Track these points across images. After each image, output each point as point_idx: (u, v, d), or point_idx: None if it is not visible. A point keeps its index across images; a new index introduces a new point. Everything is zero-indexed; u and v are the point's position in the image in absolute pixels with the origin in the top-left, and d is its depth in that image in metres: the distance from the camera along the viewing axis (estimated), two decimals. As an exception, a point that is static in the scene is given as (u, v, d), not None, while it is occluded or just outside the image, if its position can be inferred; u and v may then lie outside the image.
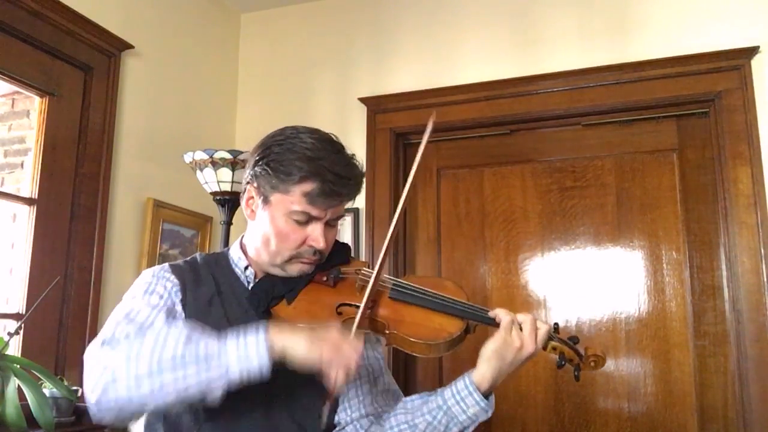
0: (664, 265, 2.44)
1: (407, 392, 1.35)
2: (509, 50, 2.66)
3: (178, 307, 1.18)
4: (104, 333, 1.10)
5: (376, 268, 1.17)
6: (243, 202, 1.27)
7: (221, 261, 1.31)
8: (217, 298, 1.22)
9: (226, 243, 2.26)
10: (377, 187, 2.73)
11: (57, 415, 1.85)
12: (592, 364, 1.21)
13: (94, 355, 1.04)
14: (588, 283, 2.51)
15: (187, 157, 2.30)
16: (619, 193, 2.54)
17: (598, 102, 2.51)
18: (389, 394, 1.33)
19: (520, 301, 2.58)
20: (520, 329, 1.16)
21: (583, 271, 2.53)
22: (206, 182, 2.28)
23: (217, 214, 2.42)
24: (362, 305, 1.14)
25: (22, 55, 2.05)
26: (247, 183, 1.25)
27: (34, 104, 2.17)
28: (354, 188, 1.23)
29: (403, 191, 1.19)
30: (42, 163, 2.10)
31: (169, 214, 2.54)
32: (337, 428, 1.27)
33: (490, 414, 1.19)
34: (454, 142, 2.78)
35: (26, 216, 2.07)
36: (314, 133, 1.23)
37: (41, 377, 1.77)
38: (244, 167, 1.39)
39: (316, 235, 1.20)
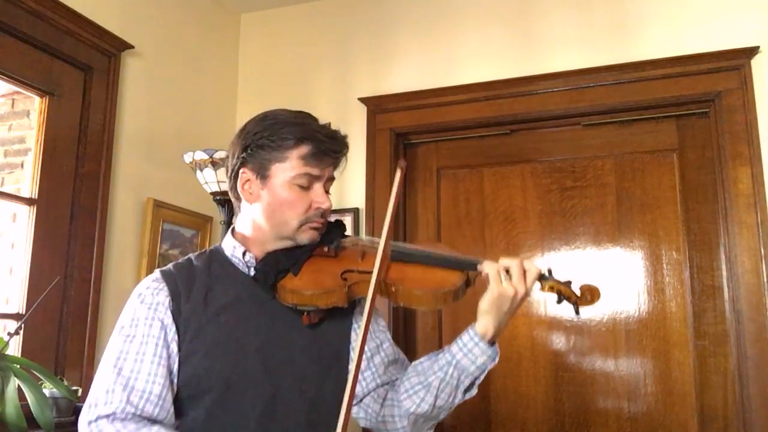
0: (664, 265, 2.44)
1: (409, 356, 1.40)
2: (509, 50, 2.66)
3: (168, 323, 1.17)
4: (95, 396, 1.12)
5: (385, 229, 1.20)
6: (238, 188, 1.27)
7: (215, 254, 1.32)
8: (212, 293, 1.23)
9: (226, 243, 2.26)
10: (377, 187, 2.73)
11: (57, 415, 1.85)
12: (588, 297, 1.28)
13: None
14: (588, 282, 2.51)
15: (187, 157, 2.30)
16: (619, 193, 2.54)
17: (598, 102, 2.51)
18: (398, 363, 1.37)
19: (520, 301, 2.58)
20: (509, 276, 1.20)
21: (583, 271, 2.53)
22: (206, 182, 2.29)
23: (217, 214, 2.42)
24: (377, 263, 1.17)
25: (22, 55, 2.05)
26: (238, 169, 1.27)
27: (34, 104, 2.17)
28: (344, 145, 1.28)
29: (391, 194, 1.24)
30: (42, 163, 2.09)
31: (169, 214, 2.54)
32: (355, 401, 1.30)
33: (497, 360, 1.23)
34: (454, 142, 2.78)
35: (26, 216, 2.07)
36: (285, 109, 1.29)
37: (41, 377, 1.77)
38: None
39: (320, 195, 1.25)
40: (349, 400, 1.04)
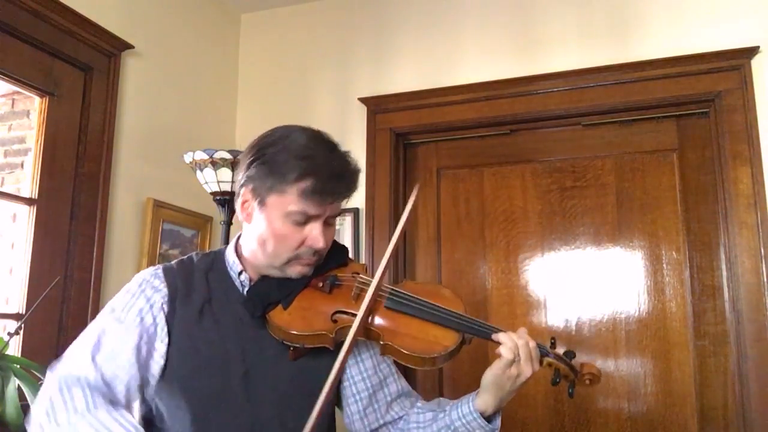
0: (664, 265, 2.44)
1: None
2: (509, 50, 2.66)
3: (160, 322, 1.16)
4: (71, 353, 1.11)
5: (374, 283, 1.16)
6: (238, 206, 1.25)
7: (217, 263, 1.29)
8: (208, 306, 1.21)
9: (226, 243, 2.25)
10: (377, 187, 2.73)
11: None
12: (587, 381, 1.19)
13: (51, 390, 1.07)
14: (588, 283, 2.51)
15: (187, 157, 2.30)
16: (619, 193, 2.54)
17: (598, 102, 2.51)
18: (404, 398, 1.34)
19: (520, 301, 2.58)
20: (518, 357, 1.15)
21: (583, 271, 2.53)
22: (206, 182, 2.28)
23: (217, 214, 2.42)
24: (358, 318, 1.12)
25: (22, 55, 2.05)
26: (241, 186, 1.23)
27: (34, 104, 2.17)
28: (350, 185, 1.21)
29: (398, 226, 1.22)
30: (42, 163, 2.09)
31: (169, 214, 2.54)
32: None
33: (497, 430, 1.22)
34: (454, 142, 2.78)
35: (26, 216, 2.07)
36: (306, 131, 1.22)
37: (41, 377, 1.77)
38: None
39: (315, 234, 1.18)
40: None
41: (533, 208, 2.63)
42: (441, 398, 1.35)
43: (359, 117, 2.81)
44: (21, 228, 2.08)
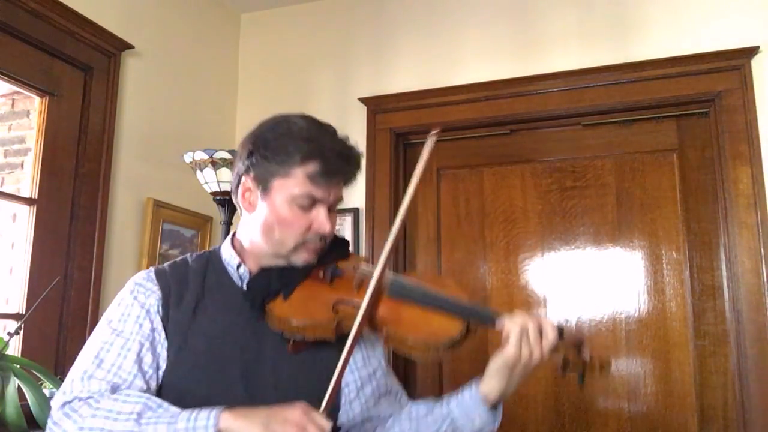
0: (664, 265, 2.44)
1: (407, 391, 1.34)
2: (509, 50, 2.66)
3: (158, 326, 1.14)
4: (71, 380, 1.08)
5: (377, 271, 1.13)
6: (239, 196, 1.22)
7: (213, 261, 1.26)
8: (203, 304, 1.18)
9: (226, 243, 2.26)
10: (377, 187, 2.73)
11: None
12: (597, 369, 1.15)
13: (55, 420, 1.05)
14: (588, 283, 2.51)
15: (187, 157, 2.30)
16: (619, 193, 2.54)
17: (598, 102, 2.51)
18: (392, 395, 1.29)
19: (520, 301, 2.58)
20: (528, 339, 1.10)
21: (583, 271, 2.53)
22: (206, 182, 2.29)
23: (217, 214, 2.42)
24: (362, 310, 1.09)
25: (22, 55, 2.05)
26: (241, 175, 1.20)
27: (34, 104, 2.17)
28: (354, 167, 1.20)
29: (405, 195, 1.16)
30: (42, 163, 2.10)
31: (169, 214, 2.54)
32: (340, 431, 1.24)
33: (497, 426, 1.17)
34: (454, 142, 2.78)
35: (26, 216, 2.07)
36: (305, 117, 1.21)
37: (41, 377, 1.77)
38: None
39: (321, 219, 1.16)
40: None
41: (533, 208, 2.63)
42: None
43: (359, 117, 2.81)
44: (21, 228, 2.08)
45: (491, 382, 1.15)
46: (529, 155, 2.68)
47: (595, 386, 2.44)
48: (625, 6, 2.52)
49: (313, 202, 1.16)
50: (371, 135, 2.78)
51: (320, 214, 1.17)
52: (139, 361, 1.10)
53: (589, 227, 2.55)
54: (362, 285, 1.17)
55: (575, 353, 1.13)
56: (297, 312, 1.15)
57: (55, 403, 1.07)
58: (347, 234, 2.71)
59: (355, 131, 2.78)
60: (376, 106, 2.80)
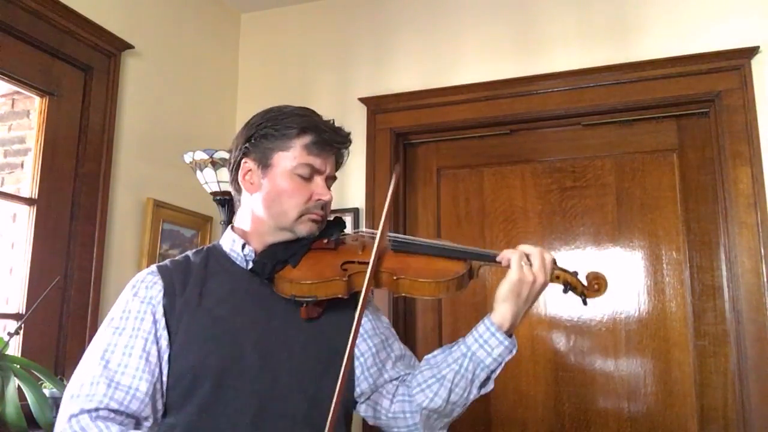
0: (664, 265, 2.44)
1: None
2: (509, 50, 2.66)
3: (160, 318, 1.16)
4: (78, 386, 1.10)
5: (381, 225, 1.18)
6: (240, 179, 1.28)
7: (213, 251, 1.30)
8: (207, 287, 1.21)
9: (226, 243, 2.26)
10: (377, 187, 2.73)
11: (57, 415, 1.84)
12: (596, 287, 1.26)
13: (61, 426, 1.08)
14: (594, 271, 2.51)
15: (187, 157, 2.30)
16: (619, 193, 2.54)
17: (598, 102, 2.51)
18: (405, 359, 1.34)
19: (520, 301, 2.58)
20: (529, 263, 1.18)
21: (583, 271, 2.52)
22: (206, 182, 2.29)
23: (217, 214, 2.42)
24: (374, 251, 1.14)
25: (22, 55, 2.05)
26: (240, 159, 1.28)
27: (34, 104, 2.17)
28: (347, 140, 1.30)
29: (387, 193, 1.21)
30: (42, 163, 2.10)
31: (169, 214, 2.54)
32: (362, 399, 1.28)
33: (514, 352, 1.19)
34: (454, 142, 2.78)
35: (26, 216, 2.07)
36: (291, 105, 1.30)
37: (41, 377, 1.77)
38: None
39: (320, 188, 1.25)
40: (337, 396, 1.02)
41: (533, 208, 2.63)
42: None
43: (359, 117, 2.81)
44: (21, 228, 2.08)
45: (501, 309, 1.19)
46: (529, 155, 2.68)
47: (595, 386, 2.44)
48: (625, 6, 2.52)
49: (312, 172, 1.25)
50: (371, 135, 2.79)
51: (319, 183, 1.25)
52: (146, 355, 1.13)
53: (589, 227, 2.55)
54: (366, 247, 1.25)
55: (572, 277, 1.25)
56: (307, 274, 1.20)
57: (63, 410, 1.10)
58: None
59: (355, 131, 2.73)
60: (376, 106, 2.80)
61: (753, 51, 2.31)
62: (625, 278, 2.47)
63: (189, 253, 1.31)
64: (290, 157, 1.23)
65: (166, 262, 1.27)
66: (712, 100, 2.39)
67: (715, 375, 2.33)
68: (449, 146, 2.80)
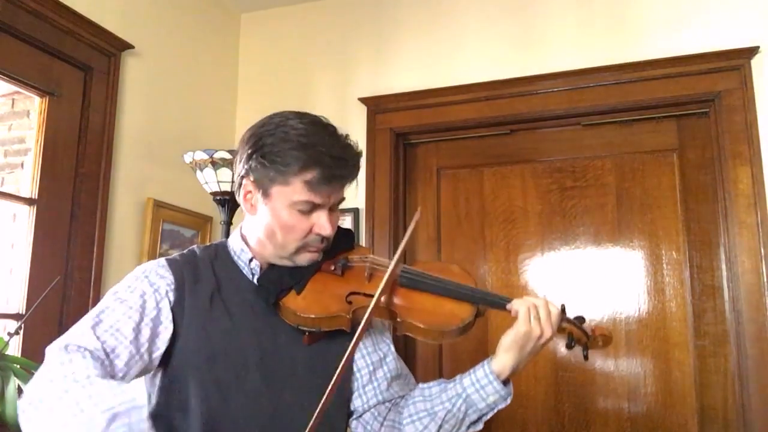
0: (664, 265, 2.44)
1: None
2: (509, 50, 2.66)
3: (164, 308, 1.13)
4: (68, 332, 1.06)
5: (392, 264, 1.16)
6: (240, 197, 1.24)
7: (221, 253, 1.27)
8: (217, 294, 1.19)
9: (226, 243, 2.26)
10: (377, 187, 2.73)
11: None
12: (600, 342, 1.23)
13: (47, 357, 1.00)
14: (588, 283, 2.51)
15: (187, 157, 2.30)
16: (619, 193, 2.54)
17: (598, 102, 2.51)
18: (402, 379, 1.33)
19: (520, 301, 2.58)
20: (537, 317, 1.17)
21: (583, 271, 2.53)
22: (206, 182, 2.28)
23: (217, 214, 2.42)
24: (375, 297, 1.12)
25: (22, 55, 2.05)
26: (242, 177, 1.22)
27: (34, 104, 2.17)
28: (353, 169, 1.20)
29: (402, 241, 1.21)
30: (42, 163, 2.09)
31: (169, 214, 2.54)
32: (354, 415, 1.28)
33: (509, 401, 1.20)
34: (454, 142, 2.78)
35: (26, 216, 2.07)
36: (304, 117, 1.20)
37: (41, 377, 1.77)
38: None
39: (321, 222, 1.18)
40: (319, 412, 0.99)
41: (533, 208, 2.63)
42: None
43: (359, 117, 2.81)
44: (21, 228, 2.08)
45: (503, 358, 1.18)
46: (529, 155, 2.68)
47: (595, 386, 2.44)
48: (624, 6, 2.52)
49: (313, 207, 1.18)
50: (371, 135, 2.79)
51: (321, 217, 1.18)
52: (137, 331, 1.09)
53: (589, 227, 2.55)
54: (373, 276, 1.22)
55: (578, 329, 1.22)
56: (312, 305, 1.18)
57: (51, 346, 1.03)
58: (347, 234, 2.71)
59: (355, 131, 2.75)
60: (376, 106, 2.80)
61: (753, 51, 2.31)
62: (625, 278, 2.48)
63: (195, 248, 1.28)
64: (289, 192, 1.15)
65: (175, 255, 1.25)
66: (712, 100, 2.39)
67: (715, 375, 2.33)
68: (449, 146, 2.80)
